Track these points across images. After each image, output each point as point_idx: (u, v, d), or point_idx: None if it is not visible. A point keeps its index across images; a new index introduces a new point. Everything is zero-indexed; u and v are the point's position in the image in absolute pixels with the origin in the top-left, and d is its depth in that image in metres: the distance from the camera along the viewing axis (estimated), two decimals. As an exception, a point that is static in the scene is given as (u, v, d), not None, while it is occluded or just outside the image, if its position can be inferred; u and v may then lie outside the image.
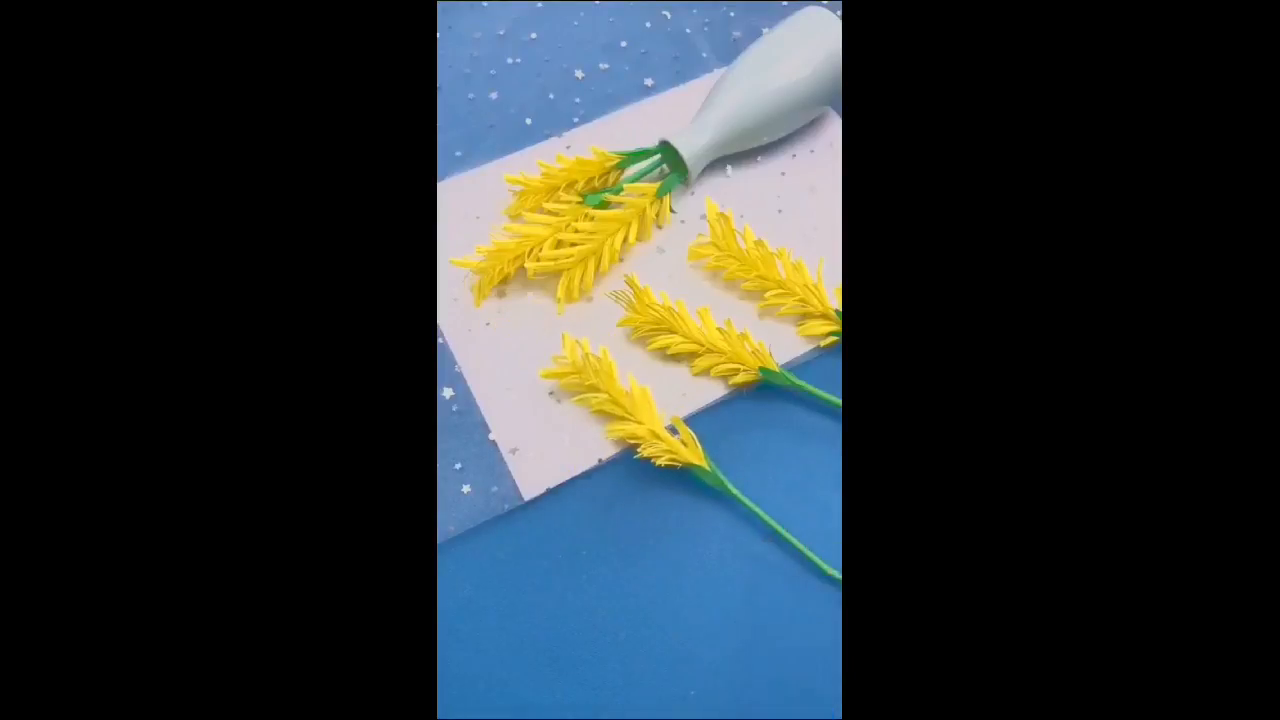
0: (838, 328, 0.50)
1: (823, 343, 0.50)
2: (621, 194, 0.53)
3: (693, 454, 0.44)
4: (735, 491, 0.44)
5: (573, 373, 0.47)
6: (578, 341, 0.47)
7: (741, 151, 0.58)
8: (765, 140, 0.58)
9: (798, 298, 0.50)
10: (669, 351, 0.49)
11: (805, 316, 0.51)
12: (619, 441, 0.46)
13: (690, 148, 0.55)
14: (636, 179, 0.55)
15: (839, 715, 0.38)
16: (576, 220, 0.52)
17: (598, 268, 0.52)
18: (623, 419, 0.46)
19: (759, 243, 0.51)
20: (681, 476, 0.45)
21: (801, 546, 0.42)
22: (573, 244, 0.51)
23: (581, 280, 0.51)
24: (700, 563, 0.43)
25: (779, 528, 0.43)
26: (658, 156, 0.56)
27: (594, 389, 0.46)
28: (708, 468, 0.44)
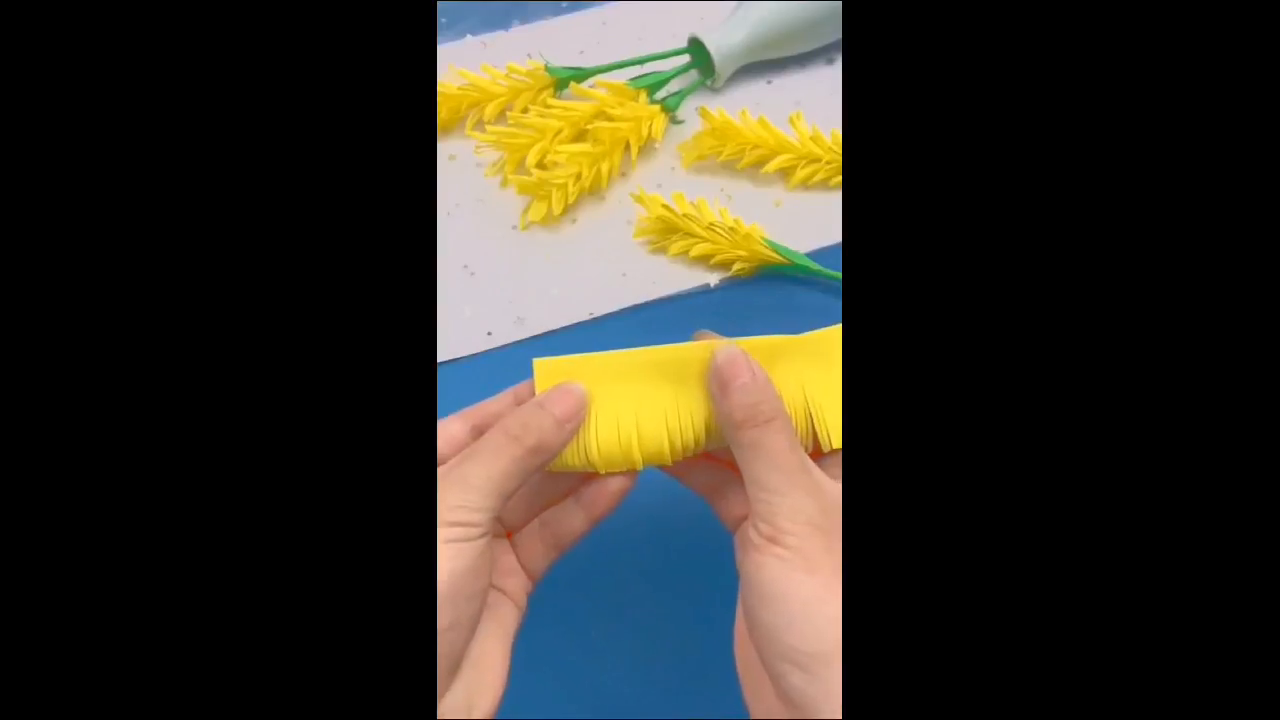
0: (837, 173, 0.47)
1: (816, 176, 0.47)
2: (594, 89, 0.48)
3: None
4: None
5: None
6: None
7: (778, 59, 0.51)
8: (805, 48, 0.52)
9: (804, 154, 0.46)
10: (691, 255, 0.45)
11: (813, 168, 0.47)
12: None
13: (721, 47, 0.48)
14: (663, 81, 0.49)
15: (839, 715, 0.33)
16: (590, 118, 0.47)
17: (594, 183, 0.47)
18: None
19: (761, 120, 0.46)
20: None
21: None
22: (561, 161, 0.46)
23: (567, 198, 0.46)
24: (699, 565, 0.38)
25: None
26: (687, 58, 0.50)
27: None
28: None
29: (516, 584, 0.29)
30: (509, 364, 0.43)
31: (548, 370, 0.28)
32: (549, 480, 0.29)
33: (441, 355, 0.43)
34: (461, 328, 0.44)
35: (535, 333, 0.44)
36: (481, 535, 0.25)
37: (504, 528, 0.30)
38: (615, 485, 0.28)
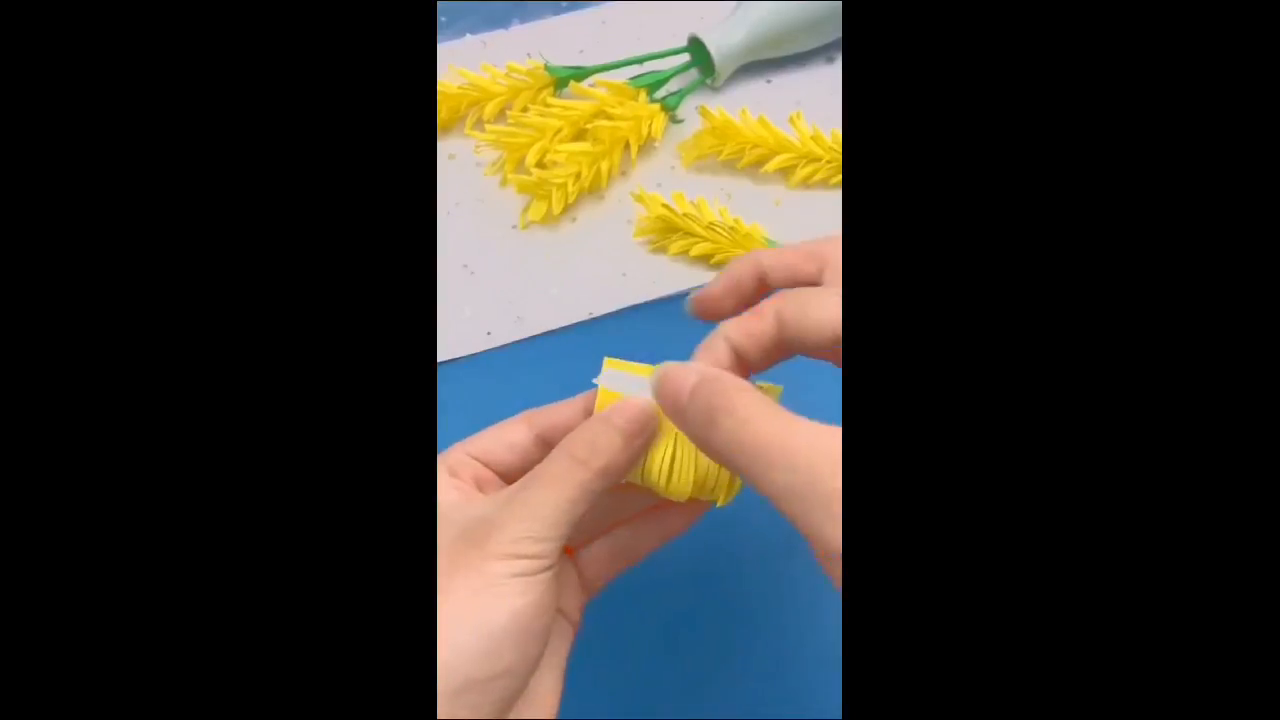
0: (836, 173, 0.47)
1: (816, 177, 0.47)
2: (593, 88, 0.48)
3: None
4: None
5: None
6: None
7: (778, 58, 0.51)
8: (805, 47, 0.51)
9: (804, 154, 0.46)
10: (691, 254, 0.45)
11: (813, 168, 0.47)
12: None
13: (721, 46, 0.48)
14: (663, 80, 0.49)
15: (839, 715, 0.32)
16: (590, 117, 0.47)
17: (594, 182, 0.47)
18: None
19: (761, 119, 0.46)
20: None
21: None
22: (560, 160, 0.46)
23: (567, 198, 0.46)
24: (698, 564, 0.39)
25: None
26: (687, 57, 0.50)
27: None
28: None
29: (574, 601, 0.28)
30: (509, 363, 0.43)
31: (616, 373, 0.27)
32: (619, 499, 0.28)
33: (441, 355, 0.43)
34: (461, 327, 0.44)
35: (535, 332, 0.44)
36: (549, 567, 0.23)
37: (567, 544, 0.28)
38: (694, 506, 0.28)
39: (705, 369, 0.25)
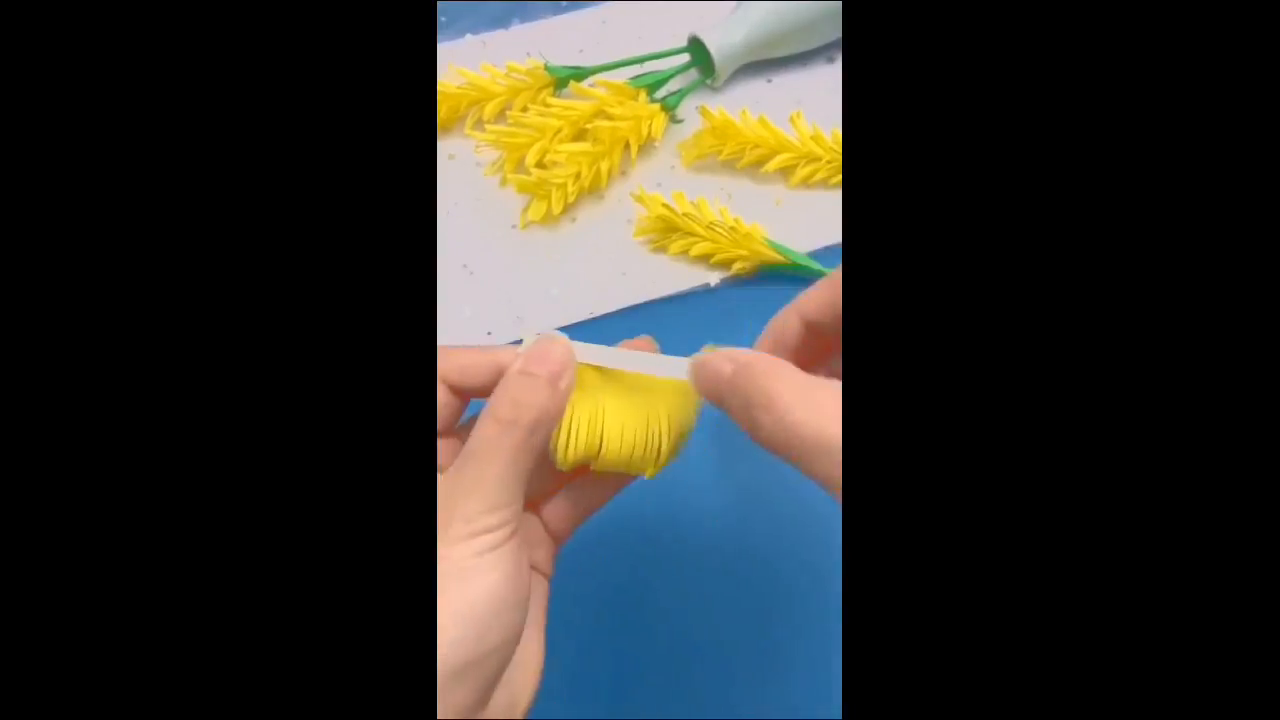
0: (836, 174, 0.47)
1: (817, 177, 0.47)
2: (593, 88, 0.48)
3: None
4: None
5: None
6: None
7: (779, 58, 0.51)
8: (805, 47, 0.51)
9: (804, 154, 0.46)
10: (691, 254, 0.45)
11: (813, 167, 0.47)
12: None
13: (721, 46, 0.48)
14: (663, 79, 0.49)
15: (839, 715, 0.33)
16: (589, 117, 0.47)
17: (594, 182, 0.47)
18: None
19: (761, 119, 0.46)
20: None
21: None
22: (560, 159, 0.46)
23: (566, 198, 0.46)
24: (697, 565, 0.39)
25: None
26: (687, 57, 0.50)
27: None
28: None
29: (544, 554, 0.27)
30: (509, 363, 0.43)
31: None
32: None
33: (441, 355, 0.43)
34: (461, 327, 0.44)
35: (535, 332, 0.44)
36: (512, 534, 0.23)
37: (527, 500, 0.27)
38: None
39: (741, 354, 0.23)
